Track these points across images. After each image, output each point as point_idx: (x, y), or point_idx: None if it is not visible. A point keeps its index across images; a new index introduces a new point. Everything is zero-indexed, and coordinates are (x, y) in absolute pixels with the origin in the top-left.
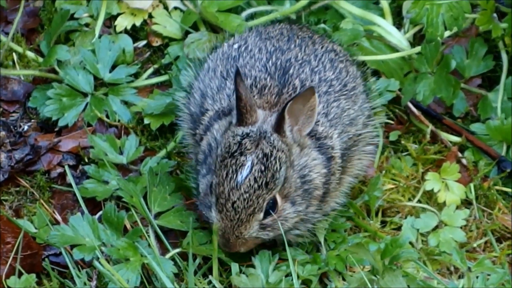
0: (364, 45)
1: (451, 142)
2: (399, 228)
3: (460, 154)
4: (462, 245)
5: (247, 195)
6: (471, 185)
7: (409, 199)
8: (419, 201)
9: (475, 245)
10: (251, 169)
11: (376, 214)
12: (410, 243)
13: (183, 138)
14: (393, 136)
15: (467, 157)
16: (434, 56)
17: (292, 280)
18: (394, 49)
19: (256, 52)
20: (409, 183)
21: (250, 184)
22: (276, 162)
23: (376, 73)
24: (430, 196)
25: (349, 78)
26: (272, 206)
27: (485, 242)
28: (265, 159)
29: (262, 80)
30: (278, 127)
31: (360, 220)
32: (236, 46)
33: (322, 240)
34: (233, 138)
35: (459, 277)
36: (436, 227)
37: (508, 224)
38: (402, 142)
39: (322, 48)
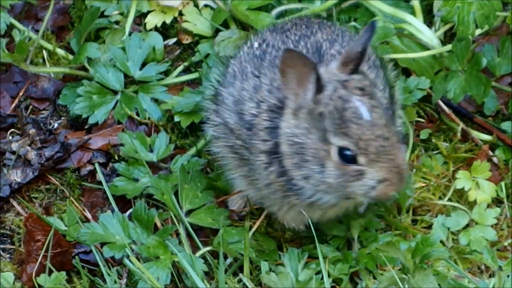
0: (395, 43)
1: (482, 140)
2: (429, 227)
3: (491, 153)
4: (493, 243)
5: (383, 120)
6: (502, 183)
7: (440, 198)
8: (449, 200)
9: (506, 243)
10: (363, 103)
11: (407, 212)
12: (441, 241)
13: (213, 146)
14: (423, 135)
15: (498, 156)
16: (465, 54)
17: (322, 278)
18: (425, 47)
19: (280, 45)
20: (440, 181)
21: (376, 113)
22: (370, 88)
23: (407, 71)
24: (460, 195)
25: (374, 56)
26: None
27: None
28: (363, 91)
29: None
30: (356, 68)
31: (391, 218)
32: (256, 44)
33: (355, 237)
34: (331, 100)
35: (490, 276)
36: (467, 225)
37: None
38: (433, 140)
39: (338, 29)
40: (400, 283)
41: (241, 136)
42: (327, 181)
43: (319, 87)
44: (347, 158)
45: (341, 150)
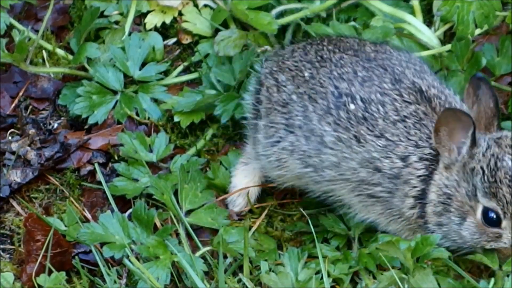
0: (395, 43)
1: None
2: None
3: None
4: None
5: None
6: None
7: None
8: None
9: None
10: None
11: None
12: None
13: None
14: None
15: None
16: (465, 53)
17: (322, 278)
18: (424, 47)
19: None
20: None
21: None
22: None
23: None
24: None
25: None
26: None
27: None
28: None
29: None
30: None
31: None
32: (307, 73)
33: (356, 237)
34: (484, 157)
35: (490, 276)
36: None
37: None
38: None
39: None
40: (399, 283)
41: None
42: (462, 234)
43: (474, 141)
44: (490, 220)
45: (486, 211)
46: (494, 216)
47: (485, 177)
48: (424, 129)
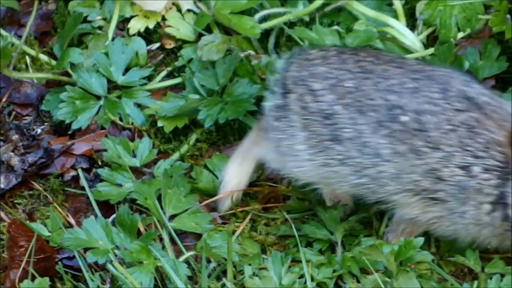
0: (378, 46)
1: None
2: None
3: None
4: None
5: None
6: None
7: None
8: None
9: (489, 246)
10: None
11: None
12: (425, 245)
13: None
14: None
15: None
16: (448, 57)
17: (305, 282)
18: (407, 50)
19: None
20: None
21: None
22: None
23: None
24: None
25: None
26: None
27: None
28: None
29: None
30: None
31: (374, 222)
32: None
33: (339, 241)
34: None
35: (473, 279)
36: None
37: None
38: None
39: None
40: (383, 286)
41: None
42: None
43: None
44: None
45: None
46: None
47: None
48: (478, 137)
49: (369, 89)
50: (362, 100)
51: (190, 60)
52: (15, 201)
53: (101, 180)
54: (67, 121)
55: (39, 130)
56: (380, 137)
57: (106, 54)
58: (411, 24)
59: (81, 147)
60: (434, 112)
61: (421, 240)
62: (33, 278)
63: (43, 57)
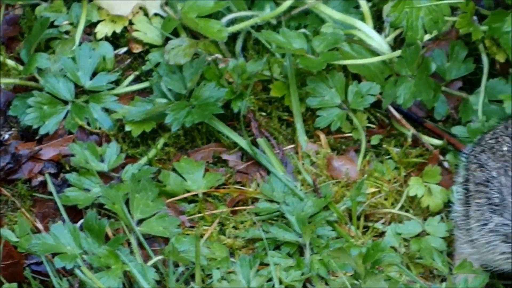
0: (345, 49)
1: (432, 145)
2: (381, 234)
3: (442, 157)
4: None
5: None
6: (453, 188)
7: (392, 204)
8: (402, 206)
9: None
10: None
11: (359, 219)
12: (393, 247)
13: None
14: (374, 140)
15: (449, 160)
16: (414, 59)
17: (274, 285)
18: (375, 53)
19: None
20: (392, 186)
21: None
22: None
23: (357, 78)
24: (412, 200)
25: None
26: None
27: None
28: None
29: None
30: None
31: (343, 225)
32: None
33: (307, 243)
34: None
35: (442, 281)
36: (419, 234)
37: None
38: (384, 145)
39: None
40: None
41: None
42: None
43: None
44: None
45: None
46: None
47: None
48: None
49: None
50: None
51: (157, 64)
52: None
53: (69, 185)
54: (35, 126)
55: (6, 136)
56: None
57: (73, 59)
58: (378, 26)
59: (48, 152)
60: None
61: (388, 242)
62: (1, 284)
63: (10, 63)
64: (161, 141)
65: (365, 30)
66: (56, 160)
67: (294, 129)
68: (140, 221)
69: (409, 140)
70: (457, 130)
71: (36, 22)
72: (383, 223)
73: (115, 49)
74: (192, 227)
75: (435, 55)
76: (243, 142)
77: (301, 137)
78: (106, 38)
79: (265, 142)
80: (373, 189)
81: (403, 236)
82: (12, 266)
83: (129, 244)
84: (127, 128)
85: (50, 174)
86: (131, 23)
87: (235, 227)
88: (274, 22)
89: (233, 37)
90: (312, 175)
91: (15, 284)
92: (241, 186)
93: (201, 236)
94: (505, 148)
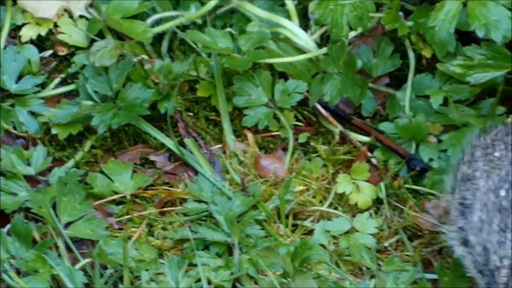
0: (271, 47)
1: (360, 142)
2: (310, 232)
3: (369, 154)
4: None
5: None
6: (382, 184)
7: (321, 201)
8: (330, 204)
9: (386, 244)
10: None
11: (287, 217)
12: (322, 245)
13: None
14: (302, 138)
15: (377, 157)
16: (340, 56)
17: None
18: (301, 50)
19: None
20: (320, 183)
21: None
22: None
23: (284, 76)
24: (341, 197)
25: None
26: None
27: (397, 241)
28: None
29: None
30: None
31: (271, 224)
32: (503, 192)
33: (236, 243)
34: None
35: (372, 277)
36: (348, 231)
37: (419, 222)
38: (312, 143)
39: None
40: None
41: (486, 279)
42: None
43: None
44: None
45: None
46: None
47: None
48: None
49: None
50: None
51: (83, 67)
52: None
53: None
54: None
55: None
56: None
57: None
58: (304, 24)
59: None
60: None
61: (317, 240)
62: None
63: None
64: (88, 144)
65: (291, 28)
66: None
67: (222, 129)
68: (67, 224)
69: (337, 137)
70: (385, 126)
71: None
72: (311, 221)
73: (40, 52)
74: (120, 229)
75: (361, 52)
76: (170, 143)
77: (229, 136)
78: (31, 41)
79: (193, 142)
80: (301, 187)
81: (332, 234)
82: None
83: (57, 247)
84: (54, 131)
85: None
86: (56, 25)
87: (163, 228)
88: (199, 21)
89: (159, 37)
90: (240, 174)
91: None
92: (169, 187)
93: (129, 238)
94: (496, 154)
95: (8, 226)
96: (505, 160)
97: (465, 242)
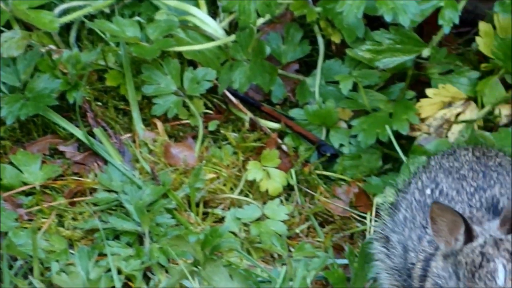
0: (180, 36)
1: (270, 129)
2: (221, 220)
3: (280, 141)
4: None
5: None
6: (292, 170)
7: (231, 189)
8: (241, 191)
9: (298, 231)
10: (505, 268)
11: (198, 205)
12: (233, 232)
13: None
14: (212, 126)
15: (287, 143)
16: (249, 43)
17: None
18: (210, 38)
19: (454, 195)
20: (231, 171)
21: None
22: None
23: (193, 64)
24: (251, 184)
25: None
26: None
27: (308, 227)
28: None
29: (468, 215)
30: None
31: (182, 212)
32: (428, 191)
33: (146, 232)
34: (472, 253)
35: (283, 264)
36: (259, 218)
37: (330, 208)
38: (222, 131)
39: None
40: (189, 276)
41: (404, 281)
42: None
43: (469, 238)
44: None
45: None
46: None
47: (468, 272)
48: None
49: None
50: None
51: None
52: None
53: None
54: None
55: None
56: None
57: None
58: (213, 11)
59: None
60: None
61: (227, 227)
62: None
63: None
64: None
65: (200, 15)
66: None
67: (131, 118)
68: None
69: (247, 124)
70: (295, 112)
71: None
72: (222, 209)
73: None
74: (30, 220)
75: (271, 38)
76: (79, 133)
77: (138, 125)
78: None
79: (102, 132)
80: (211, 175)
81: (243, 221)
82: None
83: None
84: None
85: None
86: None
87: (73, 219)
88: (107, 11)
89: (67, 27)
90: (150, 163)
91: None
92: (79, 177)
93: (39, 229)
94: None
95: None
96: (436, 165)
97: (387, 241)
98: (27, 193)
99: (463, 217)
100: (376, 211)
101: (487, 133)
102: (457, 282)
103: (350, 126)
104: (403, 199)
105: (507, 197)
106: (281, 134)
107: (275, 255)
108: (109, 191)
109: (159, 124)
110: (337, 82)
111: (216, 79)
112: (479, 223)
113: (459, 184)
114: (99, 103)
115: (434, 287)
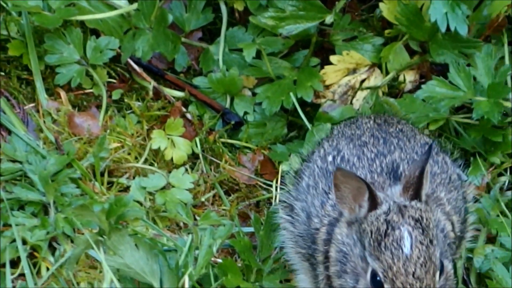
0: (82, 4)
1: (174, 97)
2: (126, 189)
3: (184, 109)
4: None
5: (422, 259)
6: (197, 139)
7: (136, 158)
8: (146, 160)
9: (203, 199)
10: (411, 235)
11: (103, 175)
12: (139, 202)
13: (288, 256)
14: (116, 95)
15: (192, 112)
16: (151, 11)
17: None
18: (112, 7)
19: (355, 161)
20: (135, 140)
21: (419, 250)
22: (428, 221)
23: (96, 33)
24: (156, 153)
25: (450, 169)
26: (441, 267)
27: (214, 196)
28: (418, 223)
29: (369, 180)
30: (416, 193)
31: (87, 182)
32: (330, 158)
33: (51, 202)
34: (377, 220)
35: (189, 233)
36: (164, 187)
37: (236, 176)
38: (126, 100)
39: (417, 143)
40: (94, 246)
41: (309, 248)
42: None
43: (374, 205)
44: (376, 283)
45: (373, 273)
46: (378, 279)
47: (373, 240)
48: None
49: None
50: None
51: None
52: None
53: None
54: None
55: None
56: None
57: None
58: None
59: None
60: None
61: (132, 196)
62: None
63: None
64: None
65: None
66: None
67: (34, 88)
68: None
69: (151, 93)
70: (199, 81)
71: None
72: (127, 178)
73: None
74: None
75: (173, 7)
76: None
77: (42, 95)
78: None
79: (5, 102)
80: (116, 144)
81: (148, 190)
82: None
83: None
84: None
85: None
86: None
87: None
88: None
89: None
90: (54, 133)
91: None
92: None
93: None
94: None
95: None
96: (338, 133)
97: (291, 209)
98: None
99: (367, 184)
100: (282, 179)
101: (391, 100)
102: (362, 250)
103: (254, 94)
104: (306, 168)
105: (407, 162)
106: (185, 103)
107: (181, 224)
108: (13, 161)
109: (62, 93)
110: (240, 50)
111: (119, 48)
112: (381, 189)
113: (360, 150)
114: (2, 73)
115: (339, 254)
